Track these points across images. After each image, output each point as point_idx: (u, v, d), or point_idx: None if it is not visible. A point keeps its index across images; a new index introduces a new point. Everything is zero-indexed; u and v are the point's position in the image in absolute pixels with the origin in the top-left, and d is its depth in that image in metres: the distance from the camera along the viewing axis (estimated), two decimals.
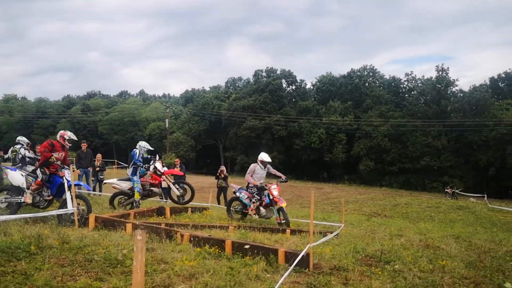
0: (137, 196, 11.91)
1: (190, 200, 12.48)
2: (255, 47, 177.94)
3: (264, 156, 11.69)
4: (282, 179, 11.75)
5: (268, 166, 11.77)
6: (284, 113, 63.87)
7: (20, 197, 9.23)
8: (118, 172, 42.95)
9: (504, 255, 8.31)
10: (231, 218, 11.96)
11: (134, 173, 12.07)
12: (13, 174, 9.57)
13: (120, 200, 12.25)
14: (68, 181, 9.04)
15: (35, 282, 4.48)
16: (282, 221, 11.04)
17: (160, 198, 13.54)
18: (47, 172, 9.20)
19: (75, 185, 9.08)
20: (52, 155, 9.11)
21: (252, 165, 11.80)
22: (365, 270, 6.04)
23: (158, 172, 11.88)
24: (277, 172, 11.93)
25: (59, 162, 9.24)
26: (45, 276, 4.72)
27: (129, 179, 12.07)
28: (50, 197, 9.32)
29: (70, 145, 9.65)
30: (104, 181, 13.96)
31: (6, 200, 9.25)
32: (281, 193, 11.67)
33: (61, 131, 9.76)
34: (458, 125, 55.93)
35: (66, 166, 9.41)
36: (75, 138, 9.74)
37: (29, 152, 12.59)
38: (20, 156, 12.36)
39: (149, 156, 12.48)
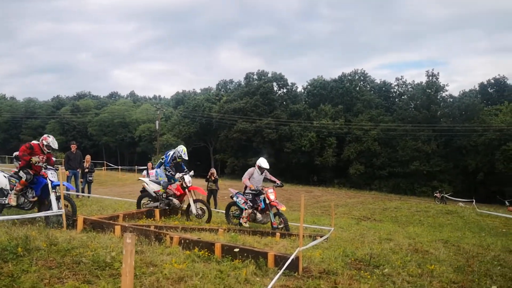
0: (161, 190, 11.88)
1: (207, 222, 11.67)
2: (246, 50, 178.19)
3: (262, 162, 11.60)
4: (277, 183, 11.67)
5: (266, 172, 11.71)
6: (275, 116, 63.96)
7: (4, 198, 9.12)
8: (107, 173, 42.72)
9: (492, 260, 8.37)
10: (230, 223, 11.77)
11: (159, 165, 12.16)
12: None
13: (145, 202, 12.34)
14: (52, 181, 8.95)
15: (22, 285, 4.43)
16: (280, 226, 10.90)
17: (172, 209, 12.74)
18: (31, 172, 9.11)
19: (58, 185, 8.98)
20: (32, 158, 9.00)
21: (251, 169, 11.75)
22: (354, 274, 6.05)
23: (184, 185, 11.67)
24: (272, 177, 11.83)
25: (41, 164, 9.14)
26: (33, 279, 4.66)
27: (159, 182, 12.03)
28: (35, 198, 9.21)
29: (49, 151, 9.48)
30: (138, 178, 13.95)
31: None
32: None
33: (44, 135, 9.64)
34: (448, 130, 56.40)
35: (50, 167, 9.30)
36: (54, 146, 9.52)
37: None
38: None
39: (185, 169, 12.29)
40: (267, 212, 11.16)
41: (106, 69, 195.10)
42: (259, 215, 11.22)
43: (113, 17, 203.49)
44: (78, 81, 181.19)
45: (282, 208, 11.02)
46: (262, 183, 11.75)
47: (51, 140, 9.45)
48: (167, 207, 11.92)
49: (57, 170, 9.50)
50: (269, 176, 11.79)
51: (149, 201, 12.16)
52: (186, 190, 11.66)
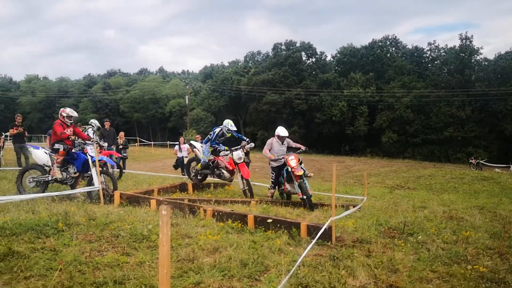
0: (198, 166, 12.07)
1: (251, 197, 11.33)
2: (273, 20, 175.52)
3: (280, 131, 10.94)
4: (302, 149, 10.99)
5: (287, 140, 11.04)
6: (304, 87, 63.20)
7: (47, 175, 9.44)
8: (140, 149, 43.51)
9: None
10: (282, 198, 11.32)
11: (206, 141, 11.99)
12: (37, 153, 9.76)
13: (193, 166, 12.67)
14: (92, 157, 9.18)
15: (64, 258, 4.61)
16: (304, 197, 9.96)
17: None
18: (66, 144, 9.39)
19: (99, 160, 9.23)
20: (70, 136, 9.30)
21: (269, 140, 11.18)
22: (388, 242, 6.05)
23: (234, 161, 11.51)
24: (295, 144, 11.18)
25: (76, 139, 9.42)
26: (74, 252, 4.85)
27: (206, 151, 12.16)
28: (77, 174, 9.52)
29: (71, 121, 9.71)
30: (190, 141, 14.27)
31: (34, 179, 9.48)
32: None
33: (61, 109, 9.86)
34: (483, 94, 54.61)
35: (88, 142, 9.56)
36: (73, 114, 9.75)
37: (94, 134, 13.75)
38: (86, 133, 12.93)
39: (246, 139, 12.19)
40: (292, 182, 10.33)
41: (133, 45, 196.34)
42: (288, 186, 10.57)
43: None
44: (107, 59, 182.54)
45: (299, 172, 9.98)
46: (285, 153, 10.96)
47: (68, 111, 9.71)
48: (218, 178, 12.08)
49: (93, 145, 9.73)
50: (293, 144, 11.15)
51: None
52: (236, 166, 11.60)
